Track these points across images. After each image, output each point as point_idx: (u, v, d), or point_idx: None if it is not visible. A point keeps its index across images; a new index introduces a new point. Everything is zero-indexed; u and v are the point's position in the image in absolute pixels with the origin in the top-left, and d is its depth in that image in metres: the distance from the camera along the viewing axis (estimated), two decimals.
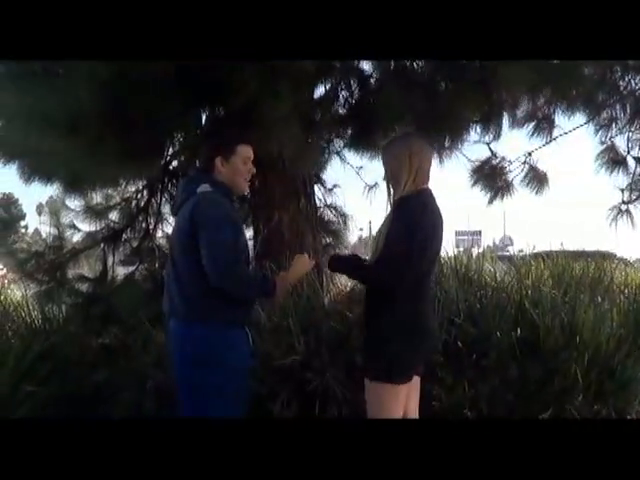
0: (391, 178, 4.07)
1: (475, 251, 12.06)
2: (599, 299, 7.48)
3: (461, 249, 9.98)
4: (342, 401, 5.24)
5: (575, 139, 12.31)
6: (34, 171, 7.92)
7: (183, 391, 4.24)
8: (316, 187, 9.16)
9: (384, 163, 4.16)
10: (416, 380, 4.16)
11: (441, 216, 4.04)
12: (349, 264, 4.32)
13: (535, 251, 11.59)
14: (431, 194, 4.04)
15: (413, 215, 3.81)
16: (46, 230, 9.64)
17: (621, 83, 9.71)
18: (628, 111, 10.25)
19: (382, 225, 4.00)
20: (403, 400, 3.96)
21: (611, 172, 11.29)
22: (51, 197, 10.23)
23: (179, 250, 4.20)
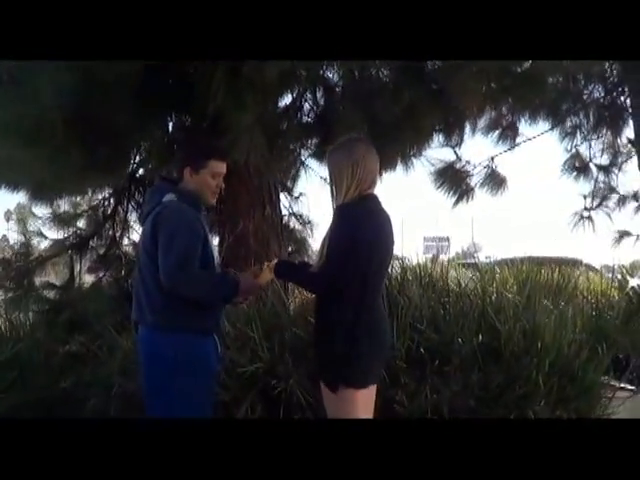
0: (334, 184, 4.06)
1: (443, 257, 12.18)
2: (562, 305, 7.57)
3: (429, 255, 10.06)
4: (306, 407, 5.28)
5: (541, 146, 12.50)
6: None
7: (150, 396, 4.28)
8: (282, 195, 9.22)
9: (328, 168, 4.18)
10: (373, 388, 4.14)
11: (388, 221, 4.05)
12: (295, 271, 4.40)
13: (501, 258, 11.71)
14: (374, 200, 4.04)
15: (353, 223, 3.82)
16: (14, 237, 9.64)
17: (585, 92, 9.86)
18: (591, 120, 10.41)
19: (326, 232, 4.02)
20: (361, 406, 3.96)
21: (576, 179, 11.47)
22: (19, 204, 10.23)
23: (145, 258, 4.23)
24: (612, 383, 6.51)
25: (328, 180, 4.18)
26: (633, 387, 6.71)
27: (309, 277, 4.18)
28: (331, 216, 4.02)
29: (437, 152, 9.93)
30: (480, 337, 5.96)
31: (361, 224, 3.83)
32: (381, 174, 8.80)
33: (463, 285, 7.58)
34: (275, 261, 4.54)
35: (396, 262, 7.46)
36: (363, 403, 3.96)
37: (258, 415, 5.34)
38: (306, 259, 9.16)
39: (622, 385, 6.63)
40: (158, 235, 4.05)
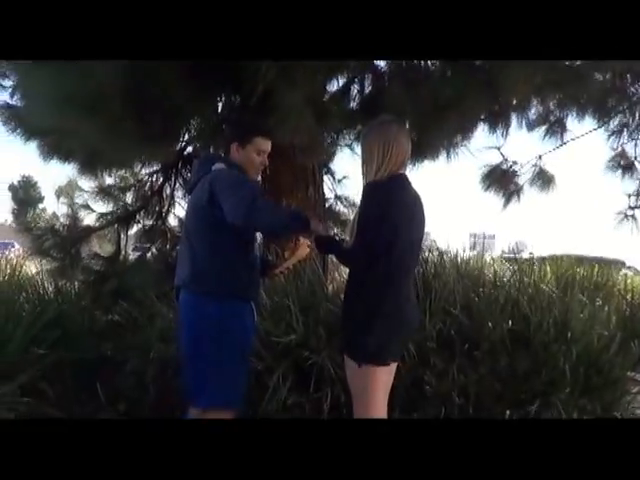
0: (365, 163, 4.16)
1: (488, 254, 12.24)
2: (598, 301, 7.63)
3: (474, 252, 10.14)
4: (336, 380, 5.42)
5: (587, 143, 12.44)
6: (53, 150, 8.14)
7: (189, 359, 4.47)
8: (326, 178, 9.32)
9: (361, 147, 4.28)
10: (394, 366, 4.27)
11: (417, 200, 4.15)
12: (331, 246, 4.55)
13: (543, 254, 11.74)
14: (404, 179, 4.14)
15: (380, 201, 3.93)
16: (63, 211, 9.88)
17: (632, 90, 9.84)
18: (637, 117, 10.39)
19: (357, 209, 4.17)
20: (384, 382, 4.11)
21: (621, 178, 11.44)
22: (69, 180, 10.47)
23: (194, 225, 4.44)
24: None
25: (361, 159, 4.29)
26: None
27: (342, 252, 4.35)
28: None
29: (483, 153, 9.96)
30: (510, 324, 6.05)
31: (389, 201, 3.93)
32: (422, 161, 8.93)
33: (500, 275, 7.69)
34: (310, 239, 4.72)
35: (435, 251, 7.59)
36: (382, 379, 4.08)
37: (289, 385, 5.47)
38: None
39: None
40: (215, 190, 4.20)
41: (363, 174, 4.22)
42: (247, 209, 4.04)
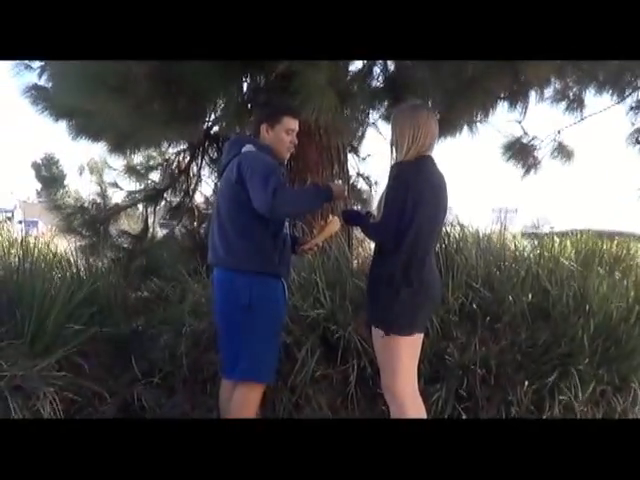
0: (395, 144, 4.34)
1: (510, 228, 12.32)
2: (617, 274, 7.75)
3: (497, 225, 10.21)
4: (362, 352, 5.60)
5: (606, 119, 12.48)
6: (82, 130, 8.29)
7: (222, 333, 4.69)
8: (350, 156, 9.42)
9: (391, 129, 4.45)
10: (419, 336, 4.45)
11: (442, 181, 4.34)
12: (357, 219, 4.73)
13: (564, 229, 11.79)
14: (430, 161, 4.32)
15: (406, 180, 4.11)
16: (88, 189, 10.03)
17: None
18: None
19: (385, 187, 4.34)
20: (409, 353, 4.30)
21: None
22: (92, 159, 10.62)
23: (225, 205, 4.60)
24: None
25: (389, 142, 4.46)
26: None
27: (369, 226, 4.51)
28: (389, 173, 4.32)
29: (504, 125, 10.02)
30: (530, 297, 6.20)
31: (415, 181, 4.12)
32: (445, 137, 9.02)
33: (520, 250, 7.81)
34: (336, 217, 4.89)
35: (457, 226, 7.71)
36: (408, 350, 4.29)
37: (317, 358, 5.64)
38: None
39: None
40: (244, 174, 4.38)
41: (392, 154, 4.41)
42: (269, 206, 4.24)
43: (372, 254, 4.56)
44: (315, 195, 4.56)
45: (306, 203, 4.58)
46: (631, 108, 10.76)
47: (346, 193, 4.82)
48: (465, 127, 9.16)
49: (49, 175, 9.66)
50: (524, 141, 10.38)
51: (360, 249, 7.93)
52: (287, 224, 4.81)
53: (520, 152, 10.29)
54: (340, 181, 4.62)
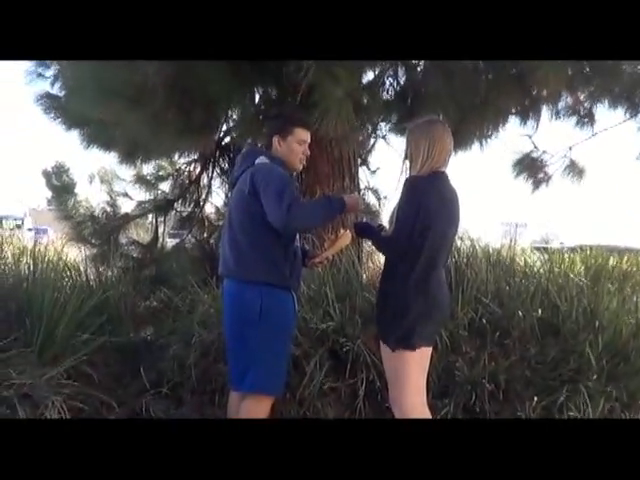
0: (410, 158, 4.35)
1: (520, 242, 12.32)
2: (627, 291, 7.74)
3: (506, 239, 10.20)
4: (370, 365, 5.59)
5: (619, 135, 12.47)
6: (94, 139, 8.34)
7: (232, 345, 4.67)
8: (360, 170, 9.43)
9: (406, 143, 4.44)
10: (428, 350, 4.43)
11: (454, 198, 4.33)
12: (369, 232, 4.71)
13: (574, 244, 11.79)
14: (444, 177, 4.32)
15: (419, 195, 4.11)
16: (98, 198, 10.06)
17: None
18: None
19: (398, 201, 4.32)
20: (417, 367, 4.28)
21: None
22: (103, 167, 10.66)
23: (237, 216, 4.59)
24: None
25: (404, 154, 4.45)
26: None
27: (380, 239, 4.51)
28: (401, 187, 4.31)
29: (515, 140, 10.02)
30: (540, 313, 6.21)
31: (428, 196, 4.11)
32: (456, 152, 9.03)
33: (530, 264, 7.81)
34: (347, 230, 4.90)
35: (467, 241, 7.72)
36: (416, 364, 4.26)
37: (325, 371, 5.64)
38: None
39: None
40: (258, 187, 4.38)
41: (406, 168, 4.41)
42: (284, 220, 4.26)
43: (382, 267, 4.56)
44: (328, 208, 4.54)
45: (320, 217, 4.57)
46: None
47: (361, 204, 4.80)
48: (476, 141, 9.17)
49: (59, 183, 9.67)
50: (534, 156, 10.38)
51: (370, 262, 7.94)
52: (298, 236, 4.82)
53: (530, 167, 10.29)
54: (356, 193, 4.60)
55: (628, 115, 10.09)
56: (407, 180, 4.29)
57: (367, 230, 4.76)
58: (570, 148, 10.38)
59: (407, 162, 4.38)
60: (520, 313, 6.08)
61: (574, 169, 10.27)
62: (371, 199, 10.50)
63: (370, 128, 8.54)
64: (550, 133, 11.12)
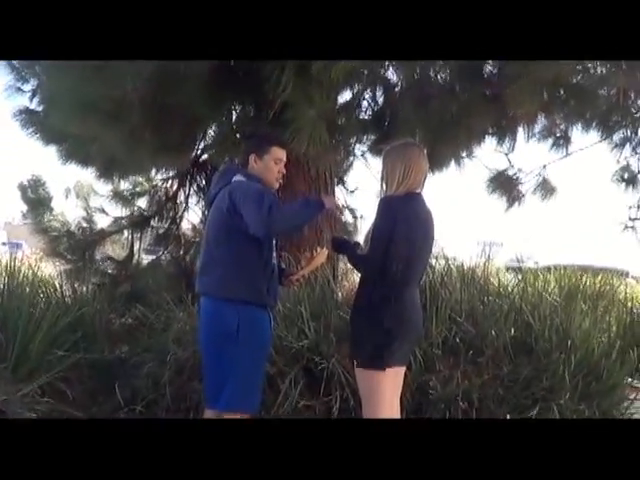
0: (385, 179, 4.38)
1: (495, 262, 12.38)
2: (600, 309, 7.82)
3: (481, 259, 10.25)
4: (345, 384, 5.60)
5: (593, 156, 12.61)
6: (72, 155, 8.34)
7: (208, 363, 4.67)
8: (337, 189, 9.47)
9: (382, 165, 4.48)
10: (401, 369, 4.47)
11: (429, 219, 4.38)
12: (345, 248, 4.76)
13: (549, 263, 11.88)
14: (419, 198, 4.37)
15: (394, 215, 4.14)
16: (74, 213, 10.05)
17: (634, 106, 10.00)
18: (638, 134, 10.55)
19: (373, 221, 4.34)
20: (391, 386, 4.30)
21: (624, 190, 11.59)
22: (79, 181, 10.68)
23: (215, 234, 4.61)
24: (639, 386, 6.73)
25: (380, 176, 4.50)
26: None
27: (355, 256, 4.55)
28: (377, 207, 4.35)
29: (490, 158, 10.11)
30: (513, 332, 6.27)
31: (402, 215, 4.15)
32: (432, 172, 9.10)
33: (504, 284, 7.87)
34: (324, 248, 4.94)
35: (442, 260, 7.77)
36: (390, 382, 4.27)
37: (300, 389, 5.64)
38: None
39: None
40: (237, 203, 4.39)
41: (382, 190, 4.45)
42: (266, 224, 4.26)
43: (357, 286, 4.59)
44: (307, 208, 4.54)
45: (301, 217, 4.57)
46: (616, 145, 10.89)
47: (336, 202, 4.84)
48: (452, 161, 9.25)
49: (35, 197, 9.65)
50: (509, 173, 10.47)
51: (345, 281, 7.97)
52: (275, 255, 4.84)
53: (505, 185, 10.38)
54: (331, 194, 4.63)
55: (602, 137, 10.23)
56: (382, 200, 4.32)
57: (343, 246, 4.80)
58: (544, 166, 10.48)
59: (383, 184, 4.42)
60: (493, 332, 6.13)
61: (546, 187, 10.37)
62: (348, 218, 10.57)
63: (347, 148, 8.57)
64: (526, 152, 11.21)
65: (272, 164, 4.77)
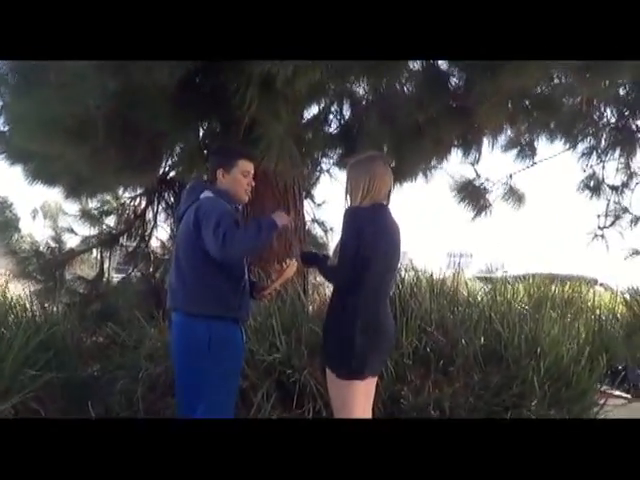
0: (350, 193, 4.41)
1: (465, 272, 12.46)
2: (569, 317, 7.90)
3: (452, 270, 10.30)
4: (317, 396, 5.64)
5: (560, 165, 12.76)
6: (38, 175, 8.30)
7: (183, 378, 4.64)
8: (305, 202, 9.50)
9: (347, 178, 4.50)
10: (372, 380, 4.48)
11: (394, 229, 4.40)
12: (315, 261, 4.82)
13: (519, 273, 11.99)
14: (384, 209, 4.39)
15: (358, 224, 4.18)
16: (42, 233, 10.02)
17: (597, 114, 10.14)
18: (603, 142, 10.70)
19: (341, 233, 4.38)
20: (363, 396, 4.32)
21: (591, 198, 11.74)
22: (46, 202, 10.66)
23: (184, 250, 4.60)
24: (608, 391, 6.82)
25: (344, 189, 4.51)
26: (628, 395, 6.95)
27: (325, 268, 4.58)
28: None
29: (458, 169, 10.18)
30: (483, 340, 6.32)
31: (368, 225, 4.18)
32: (401, 185, 9.17)
33: (474, 293, 7.94)
34: (294, 261, 4.96)
35: (412, 271, 7.83)
36: (362, 393, 4.29)
37: (272, 403, 5.67)
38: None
39: (617, 393, 6.90)
40: (201, 221, 4.39)
41: (347, 203, 4.46)
42: (220, 251, 4.26)
43: (328, 298, 4.62)
44: (260, 231, 4.47)
45: (254, 240, 4.46)
46: (583, 154, 11.03)
47: (290, 219, 4.82)
48: (420, 173, 9.31)
49: (2, 218, 9.61)
50: (476, 184, 10.55)
51: (316, 294, 7.99)
52: (247, 269, 4.85)
53: (472, 194, 10.46)
54: (285, 218, 4.60)
55: (568, 146, 10.36)
56: (347, 210, 4.34)
57: (313, 259, 4.84)
58: (510, 176, 10.58)
59: (348, 197, 4.45)
60: (464, 341, 6.18)
61: (513, 195, 10.46)
62: (317, 231, 10.62)
63: (314, 162, 8.61)
64: (494, 161, 11.31)
65: (240, 177, 4.76)
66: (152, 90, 6.21)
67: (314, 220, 10.52)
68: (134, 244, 9.91)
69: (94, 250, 10.01)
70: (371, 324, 4.22)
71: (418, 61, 7.79)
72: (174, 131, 6.95)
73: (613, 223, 11.92)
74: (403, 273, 7.40)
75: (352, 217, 4.26)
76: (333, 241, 10.32)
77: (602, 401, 6.43)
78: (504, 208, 10.72)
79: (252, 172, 4.84)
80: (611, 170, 11.77)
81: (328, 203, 10.64)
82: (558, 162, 11.63)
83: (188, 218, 4.55)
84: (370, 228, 4.17)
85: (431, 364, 6.02)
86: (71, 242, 10.01)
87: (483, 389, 5.87)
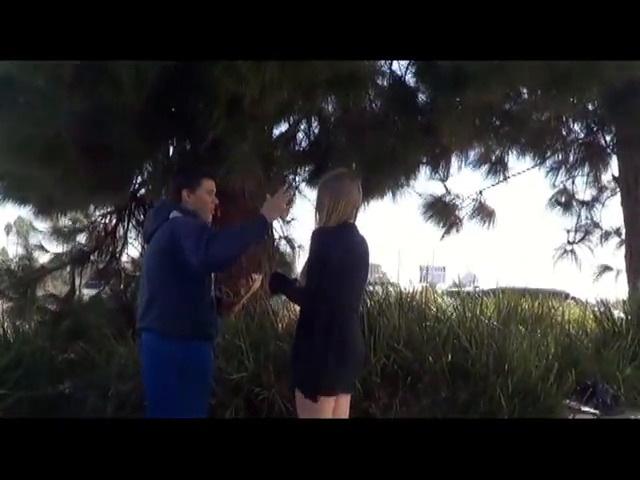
0: (317, 212, 4.43)
1: (438, 286, 12.49)
2: (538, 332, 7.94)
3: (424, 284, 10.31)
4: (286, 414, 5.66)
5: (530, 181, 12.88)
6: (9, 194, 8.30)
7: (153, 397, 4.64)
8: (275, 220, 9.52)
9: (317, 196, 4.51)
10: (345, 398, 4.47)
11: (361, 248, 4.42)
12: (283, 286, 4.78)
13: (490, 287, 12.02)
14: (351, 227, 4.40)
15: (325, 245, 4.18)
16: (14, 250, 10.01)
17: (565, 130, 10.25)
18: (571, 158, 10.81)
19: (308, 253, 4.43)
20: (328, 414, 4.25)
21: (561, 214, 11.84)
22: (19, 218, 10.64)
23: (154, 269, 4.61)
24: (578, 407, 6.85)
25: (314, 208, 4.53)
26: (596, 411, 6.98)
27: (294, 291, 4.60)
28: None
29: (427, 185, 10.25)
30: (451, 357, 6.34)
31: (334, 246, 4.18)
32: (370, 202, 9.20)
33: (443, 308, 7.97)
34: (260, 275, 4.98)
35: (378, 287, 7.85)
36: (329, 414, 4.26)
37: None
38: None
39: (585, 409, 6.93)
40: (178, 239, 4.38)
41: (316, 221, 4.48)
42: (206, 255, 4.24)
43: (297, 316, 4.63)
44: (243, 230, 4.55)
45: (237, 240, 4.49)
46: (551, 169, 11.13)
47: (284, 209, 4.81)
48: (389, 190, 9.35)
49: None
50: (446, 200, 10.61)
51: (285, 311, 8.00)
52: (212, 287, 4.85)
53: (442, 211, 10.52)
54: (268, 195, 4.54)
55: (537, 161, 10.46)
56: (314, 232, 4.36)
57: (281, 284, 4.83)
58: (480, 192, 10.66)
59: (316, 216, 4.48)
60: (431, 358, 6.20)
61: (483, 211, 10.53)
62: (286, 248, 10.64)
63: (283, 180, 8.64)
64: (464, 178, 11.38)
65: (205, 196, 4.79)
66: (121, 111, 6.23)
67: (282, 237, 10.54)
68: (105, 261, 9.90)
69: (65, 267, 9.98)
70: (338, 343, 4.21)
71: (385, 78, 7.88)
72: (142, 151, 6.97)
73: (583, 238, 12.04)
74: (372, 288, 7.43)
75: (318, 238, 4.28)
76: (301, 258, 10.36)
77: (570, 417, 6.47)
78: (475, 224, 10.81)
79: (215, 190, 4.87)
80: (581, 185, 11.91)
81: (297, 220, 10.66)
82: (528, 177, 11.71)
83: (159, 237, 4.56)
84: (336, 249, 4.18)
85: (399, 381, 6.05)
86: (42, 259, 10.01)
87: (450, 406, 5.90)
